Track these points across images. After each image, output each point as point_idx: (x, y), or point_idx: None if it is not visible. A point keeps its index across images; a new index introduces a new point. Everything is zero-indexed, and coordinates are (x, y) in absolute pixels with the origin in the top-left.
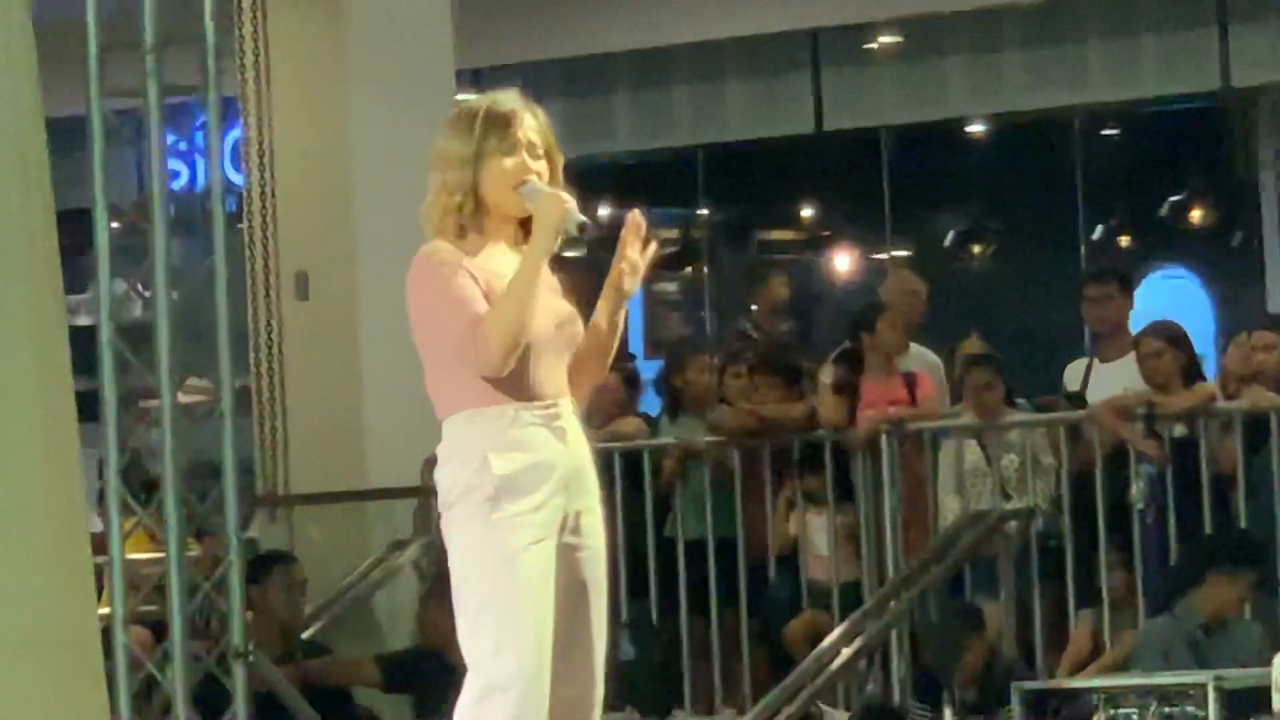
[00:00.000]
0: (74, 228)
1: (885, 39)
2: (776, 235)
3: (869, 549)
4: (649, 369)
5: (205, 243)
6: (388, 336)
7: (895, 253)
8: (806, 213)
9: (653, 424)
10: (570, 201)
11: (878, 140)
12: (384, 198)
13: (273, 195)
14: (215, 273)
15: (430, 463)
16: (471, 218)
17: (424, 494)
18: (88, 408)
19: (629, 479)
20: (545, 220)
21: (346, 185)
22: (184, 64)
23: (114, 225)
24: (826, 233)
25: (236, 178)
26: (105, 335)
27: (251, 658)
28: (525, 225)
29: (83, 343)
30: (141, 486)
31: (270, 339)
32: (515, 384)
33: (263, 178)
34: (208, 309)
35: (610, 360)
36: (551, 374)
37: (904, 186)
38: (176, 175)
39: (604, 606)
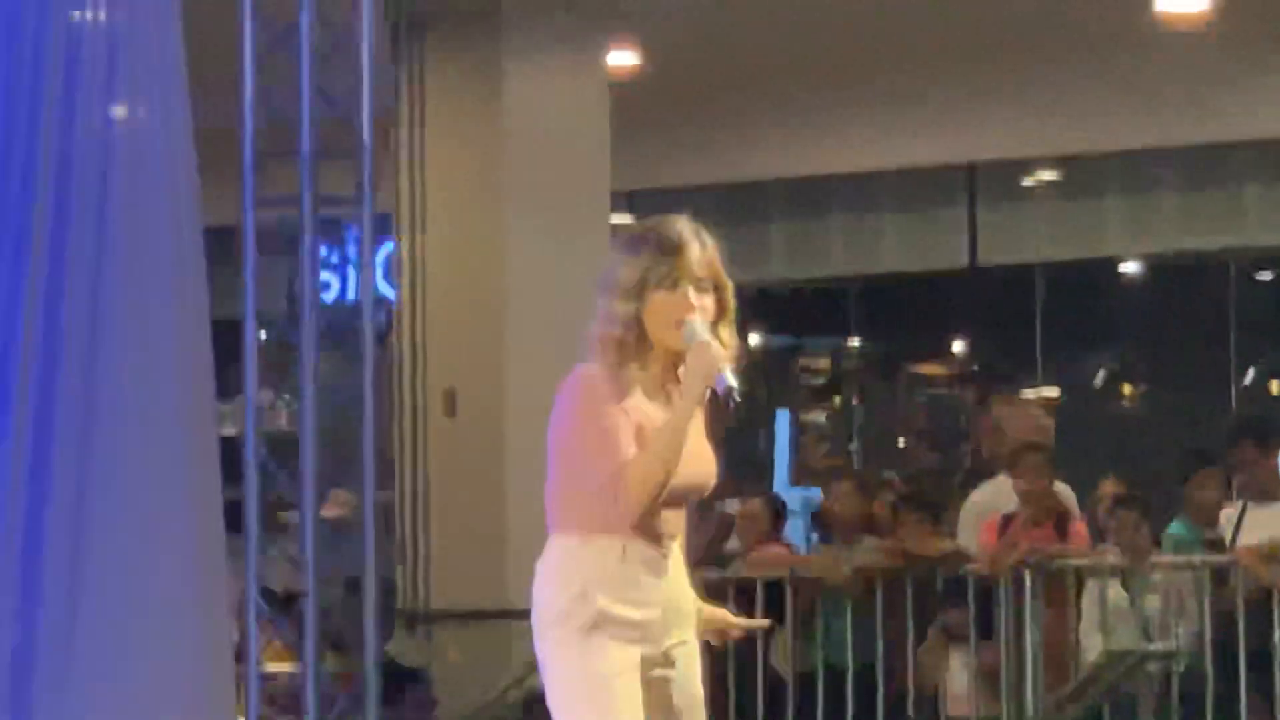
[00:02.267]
0: (222, 336)
1: (1042, 175)
2: (926, 369)
3: (1008, 686)
4: (795, 497)
5: (353, 356)
6: (533, 456)
7: (1045, 390)
8: (958, 347)
9: (798, 552)
10: (723, 359)
11: (1031, 277)
12: (535, 317)
13: (424, 311)
14: (363, 387)
15: None
16: (634, 349)
17: None
18: (229, 518)
19: (770, 606)
20: (695, 373)
21: (498, 303)
22: (339, 176)
23: (262, 335)
24: (976, 368)
25: (387, 291)
26: (250, 446)
27: None
28: (682, 360)
29: (227, 452)
30: (280, 598)
31: (416, 454)
32: (638, 524)
33: (414, 293)
34: (353, 422)
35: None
36: (674, 515)
37: (1056, 324)
38: (327, 287)
39: None
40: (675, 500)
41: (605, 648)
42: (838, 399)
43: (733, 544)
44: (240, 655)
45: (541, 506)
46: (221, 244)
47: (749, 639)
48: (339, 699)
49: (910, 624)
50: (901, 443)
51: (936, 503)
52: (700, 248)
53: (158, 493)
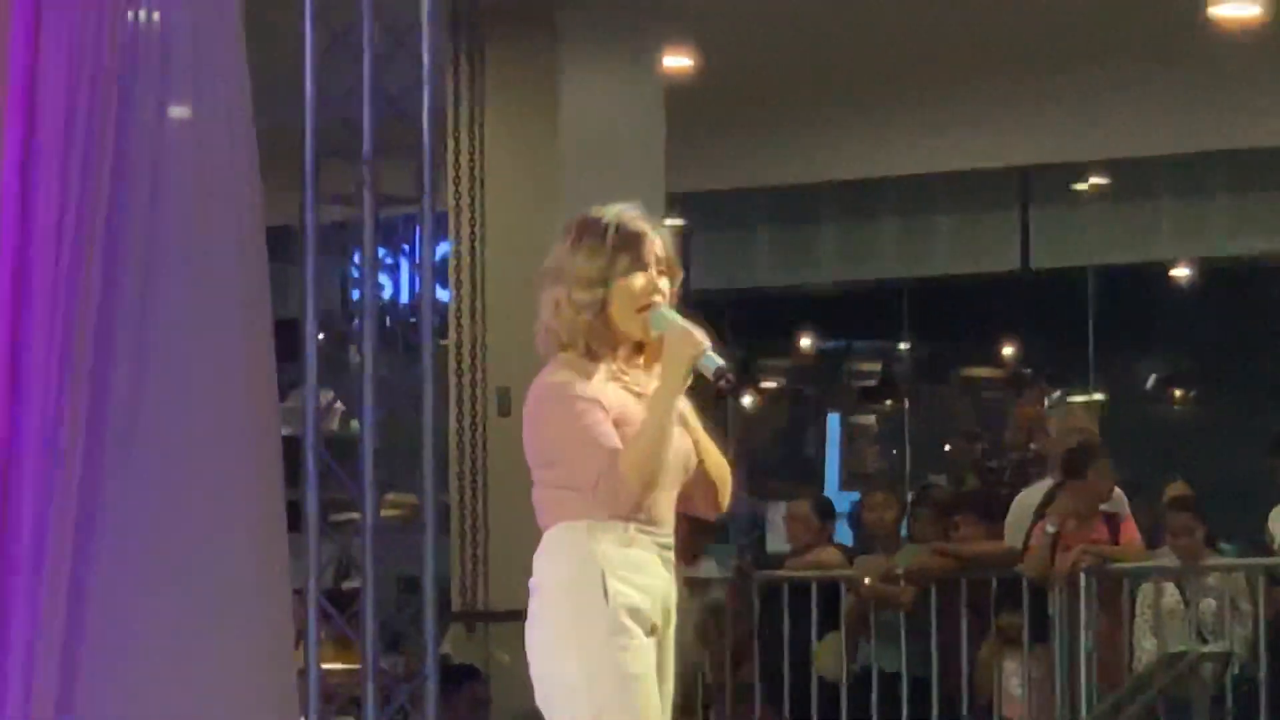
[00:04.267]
0: (279, 336)
1: (1094, 180)
2: (977, 372)
3: (1063, 689)
4: (844, 501)
5: (409, 357)
6: None
7: (1095, 394)
8: (1008, 350)
9: (848, 554)
10: (705, 342)
11: (1083, 280)
12: None
13: (482, 312)
14: (422, 386)
15: None
16: (599, 337)
17: None
18: (288, 517)
19: (824, 609)
20: (677, 359)
21: None
22: (396, 176)
23: (320, 336)
24: (1027, 371)
25: (442, 293)
26: (310, 446)
27: None
28: (641, 347)
29: (285, 453)
30: (339, 597)
31: (473, 455)
32: (634, 509)
33: (473, 294)
34: (411, 423)
35: (723, 477)
36: (668, 501)
37: (1108, 327)
38: (381, 289)
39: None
40: (668, 484)
41: (631, 647)
42: (889, 402)
43: (784, 545)
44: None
45: None
46: (279, 244)
47: (800, 643)
48: (397, 697)
49: (964, 626)
50: (950, 446)
51: (987, 504)
52: (660, 237)
53: (220, 491)
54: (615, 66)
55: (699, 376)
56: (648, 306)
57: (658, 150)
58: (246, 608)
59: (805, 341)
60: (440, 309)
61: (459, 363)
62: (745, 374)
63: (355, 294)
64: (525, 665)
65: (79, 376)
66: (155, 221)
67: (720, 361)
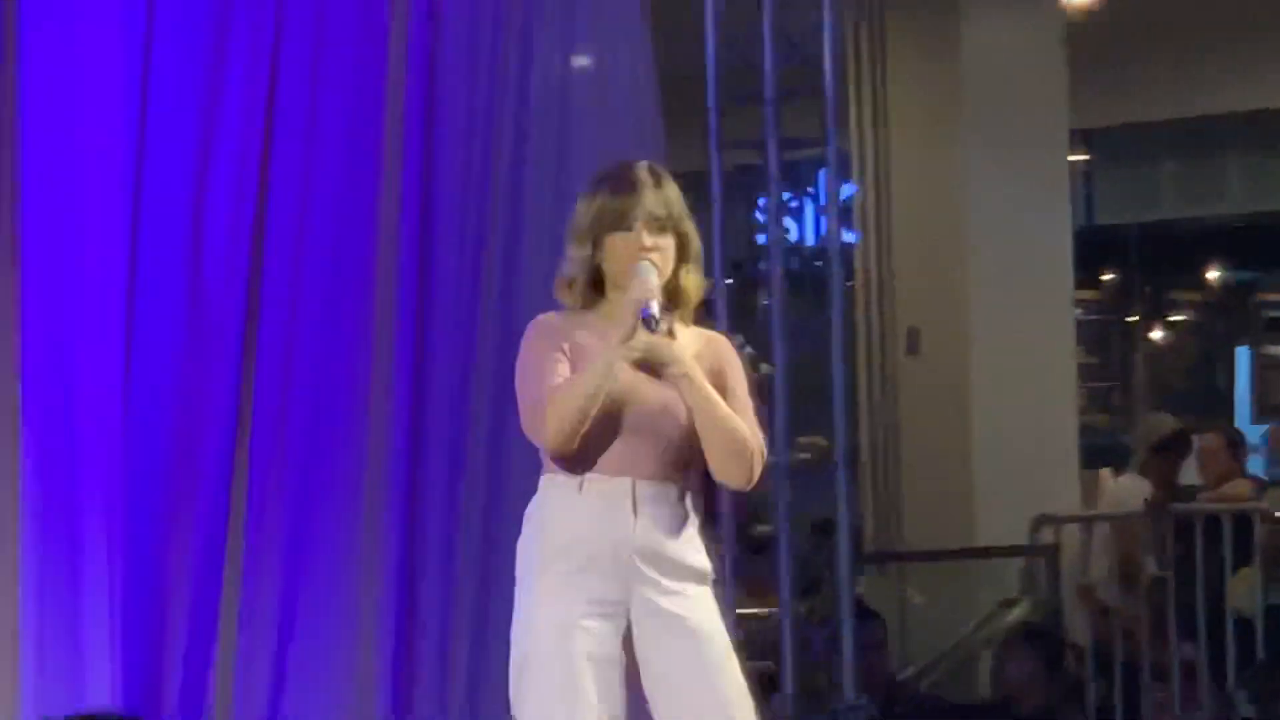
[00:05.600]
0: None
1: None
2: None
3: None
4: (1256, 433)
5: (817, 299)
6: (998, 393)
7: None
8: None
9: (1263, 486)
10: (652, 292)
11: None
12: (996, 254)
13: (888, 252)
14: (831, 329)
15: (1038, 521)
16: (586, 293)
17: (1032, 553)
18: None
19: (1237, 543)
20: (628, 306)
21: (960, 241)
22: (799, 119)
23: (728, 281)
24: None
25: (848, 235)
26: None
27: (865, 713)
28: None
29: None
30: (752, 542)
31: (883, 395)
32: (587, 458)
33: (879, 234)
34: (820, 365)
35: (724, 447)
36: (634, 456)
37: None
38: (787, 232)
39: (716, 689)
40: (631, 438)
41: (555, 590)
42: None
43: (1195, 478)
44: None
45: (1008, 443)
46: (684, 190)
47: (1213, 577)
48: (813, 640)
49: None
50: None
51: None
52: (656, 189)
53: None
54: (1016, 2)
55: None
56: (638, 262)
57: (1060, 87)
58: None
59: (1213, 274)
60: (846, 250)
61: (866, 304)
62: (1154, 308)
63: (761, 238)
64: (939, 606)
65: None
66: (560, 172)
67: (655, 312)
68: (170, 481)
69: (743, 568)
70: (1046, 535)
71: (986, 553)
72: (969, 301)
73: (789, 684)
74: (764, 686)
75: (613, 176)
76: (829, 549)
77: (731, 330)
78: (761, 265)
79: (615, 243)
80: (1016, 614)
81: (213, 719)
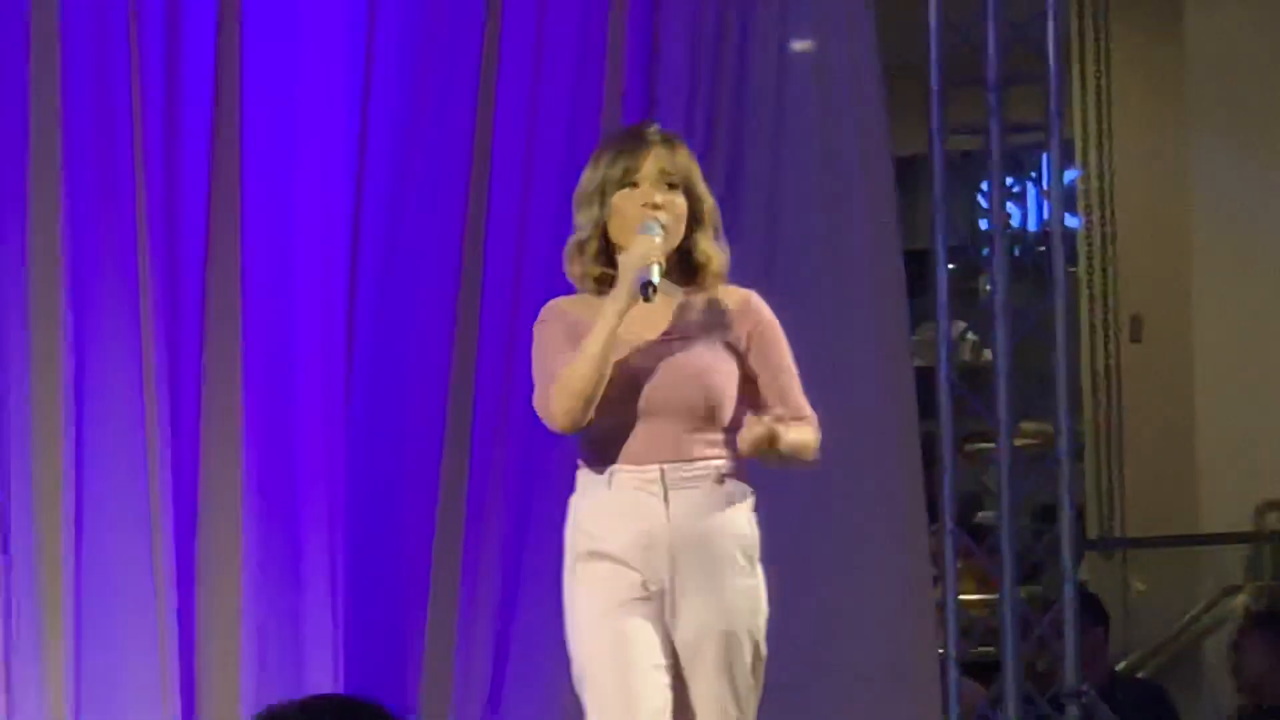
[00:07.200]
0: (910, 268)
1: None
2: None
3: None
4: None
5: (1040, 285)
6: (1222, 379)
7: None
8: None
9: None
10: (654, 255)
11: None
12: (1222, 239)
13: (1112, 238)
14: (1055, 315)
15: (1264, 507)
16: (595, 258)
17: (1257, 539)
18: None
19: None
20: (626, 267)
21: (1185, 226)
22: (1022, 104)
23: (950, 267)
24: None
25: (1071, 220)
26: (944, 377)
27: (1085, 699)
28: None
29: (917, 385)
30: (974, 529)
31: (1107, 381)
32: (613, 447)
33: (1102, 220)
34: (1043, 351)
35: (801, 465)
36: (657, 441)
37: None
38: (1010, 217)
39: (725, 693)
40: (654, 416)
41: (591, 584)
42: None
43: None
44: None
45: (1232, 429)
46: (907, 175)
47: None
48: (1035, 627)
49: None
50: None
51: None
52: (666, 146)
53: (854, 425)
54: None
55: None
56: (644, 224)
57: None
58: (885, 542)
59: None
60: (1069, 236)
61: (1090, 290)
62: None
63: (984, 223)
64: (1161, 593)
65: None
66: (779, 156)
67: (652, 278)
68: (390, 470)
69: (964, 555)
70: (1272, 521)
71: (1211, 539)
72: (1193, 287)
73: (1010, 670)
74: (986, 673)
75: (620, 135)
76: (1051, 536)
77: (953, 316)
78: (984, 251)
79: (622, 201)
80: (1240, 600)
81: (436, 709)
